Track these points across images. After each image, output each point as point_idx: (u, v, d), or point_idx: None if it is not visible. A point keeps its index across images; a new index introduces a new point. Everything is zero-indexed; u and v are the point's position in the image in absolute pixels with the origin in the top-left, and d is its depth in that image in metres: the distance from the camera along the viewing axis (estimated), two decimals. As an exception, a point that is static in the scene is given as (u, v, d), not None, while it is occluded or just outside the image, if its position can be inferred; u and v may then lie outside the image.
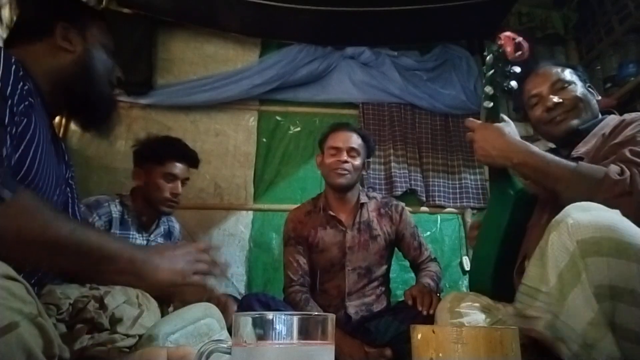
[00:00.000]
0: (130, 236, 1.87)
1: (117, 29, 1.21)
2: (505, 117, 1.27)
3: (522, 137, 1.22)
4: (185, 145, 2.01)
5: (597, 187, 1.01)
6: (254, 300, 1.76)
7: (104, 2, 2.60)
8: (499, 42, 1.22)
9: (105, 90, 1.12)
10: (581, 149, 1.27)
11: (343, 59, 2.93)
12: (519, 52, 1.20)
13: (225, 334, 1.14)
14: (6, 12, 2.04)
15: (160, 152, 1.91)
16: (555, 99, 1.32)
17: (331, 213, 1.97)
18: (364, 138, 2.01)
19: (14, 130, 0.87)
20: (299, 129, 2.90)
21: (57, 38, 1.05)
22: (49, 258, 0.81)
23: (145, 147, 1.95)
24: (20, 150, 0.89)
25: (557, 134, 1.35)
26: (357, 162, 1.93)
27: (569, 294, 0.84)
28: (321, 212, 1.99)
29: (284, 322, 0.52)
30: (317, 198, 2.08)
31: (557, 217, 0.90)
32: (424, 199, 2.82)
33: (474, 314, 1.15)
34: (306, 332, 0.52)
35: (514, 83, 1.23)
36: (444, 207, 2.84)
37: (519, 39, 1.21)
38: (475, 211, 2.85)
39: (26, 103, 0.91)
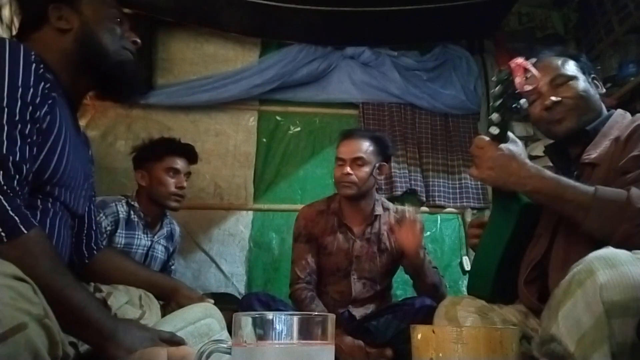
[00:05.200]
0: (136, 236, 1.96)
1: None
2: (513, 137, 1.18)
3: (520, 138, 1.18)
4: (181, 142, 2.10)
5: (619, 215, 0.96)
6: (254, 300, 1.77)
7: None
8: (508, 70, 1.11)
9: (120, 56, 1.06)
10: (592, 153, 1.18)
11: (343, 59, 2.92)
12: (530, 86, 1.10)
13: (225, 334, 1.14)
14: (6, 12, 2.05)
15: (159, 149, 2.02)
16: (554, 97, 1.23)
17: (343, 220, 1.96)
18: (375, 141, 1.95)
19: (34, 137, 0.86)
20: (299, 129, 2.90)
21: (52, 20, 1.00)
22: None
23: (143, 149, 2.05)
24: (45, 150, 0.89)
25: (558, 133, 1.27)
26: (364, 171, 1.87)
27: (590, 357, 0.80)
28: (333, 216, 1.98)
29: (284, 322, 0.52)
30: (332, 198, 2.04)
31: (581, 271, 0.84)
32: (424, 199, 2.82)
33: (471, 317, 1.16)
34: (306, 332, 0.52)
35: (523, 101, 1.14)
36: (444, 207, 2.84)
37: (532, 70, 1.10)
38: (475, 211, 2.85)
39: (50, 102, 0.89)
